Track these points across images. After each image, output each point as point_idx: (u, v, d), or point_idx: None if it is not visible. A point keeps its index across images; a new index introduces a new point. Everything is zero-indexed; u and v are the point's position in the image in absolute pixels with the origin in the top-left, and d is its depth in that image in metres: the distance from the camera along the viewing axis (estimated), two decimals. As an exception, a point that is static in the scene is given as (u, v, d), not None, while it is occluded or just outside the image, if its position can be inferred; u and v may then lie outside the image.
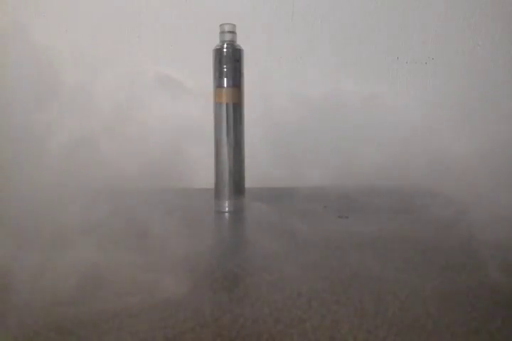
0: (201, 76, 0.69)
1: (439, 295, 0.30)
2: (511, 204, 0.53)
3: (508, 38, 0.91)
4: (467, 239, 0.44)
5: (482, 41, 0.91)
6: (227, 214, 0.58)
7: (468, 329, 0.25)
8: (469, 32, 0.90)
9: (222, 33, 0.56)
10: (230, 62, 0.56)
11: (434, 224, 0.51)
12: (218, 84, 0.57)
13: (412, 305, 0.28)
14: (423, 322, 0.26)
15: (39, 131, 0.66)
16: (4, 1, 0.81)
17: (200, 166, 0.79)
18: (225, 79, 0.56)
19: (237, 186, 0.58)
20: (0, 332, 0.25)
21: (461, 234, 0.47)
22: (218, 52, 0.56)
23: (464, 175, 0.74)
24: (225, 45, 0.56)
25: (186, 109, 0.85)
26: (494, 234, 0.44)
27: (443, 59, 0.90)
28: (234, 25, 0.56)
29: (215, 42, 0.57)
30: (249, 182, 0.61)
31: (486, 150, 0.92)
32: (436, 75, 0.91)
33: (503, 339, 0.24)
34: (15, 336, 0.24)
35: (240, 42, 0.57)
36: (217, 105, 0.57)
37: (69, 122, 0.71)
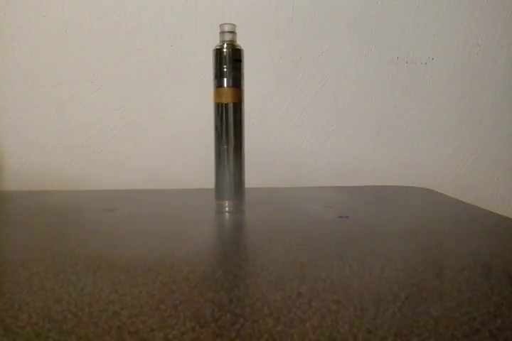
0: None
1: (439, 295, 0.30)
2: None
3: (508, 38, 0.91)
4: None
5: (482, 41, 0.91)
6: (227, 214, 0.58)
7: (469, 329, 0.25)
8: (469, 32, 0.90)
9: (222, 33, 0.56)
10: (230, 62, 0.56)
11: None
12: (218, 84, 0.57)
13: (412, 305, 0.28)
14: (423, 322, 0.26)
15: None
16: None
17: (200, 166, 0.79)
18: (225, 79, 0.56)
19: (237, 186, 0.58)
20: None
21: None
22: (218, 52, 0.56)
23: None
24: (225, 45, 0.56)
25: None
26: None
27: (443, 59, 0.90)
28: (234, 25, 0.56)
29: (215, 42, 0.57)
30: (250, 182, 0.61)
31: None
32: (436, 75, 0.91)
33: (503, 339, 0.24)
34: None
35: (240, 42, 0.57)
36: (217, 105, 0.57)
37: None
